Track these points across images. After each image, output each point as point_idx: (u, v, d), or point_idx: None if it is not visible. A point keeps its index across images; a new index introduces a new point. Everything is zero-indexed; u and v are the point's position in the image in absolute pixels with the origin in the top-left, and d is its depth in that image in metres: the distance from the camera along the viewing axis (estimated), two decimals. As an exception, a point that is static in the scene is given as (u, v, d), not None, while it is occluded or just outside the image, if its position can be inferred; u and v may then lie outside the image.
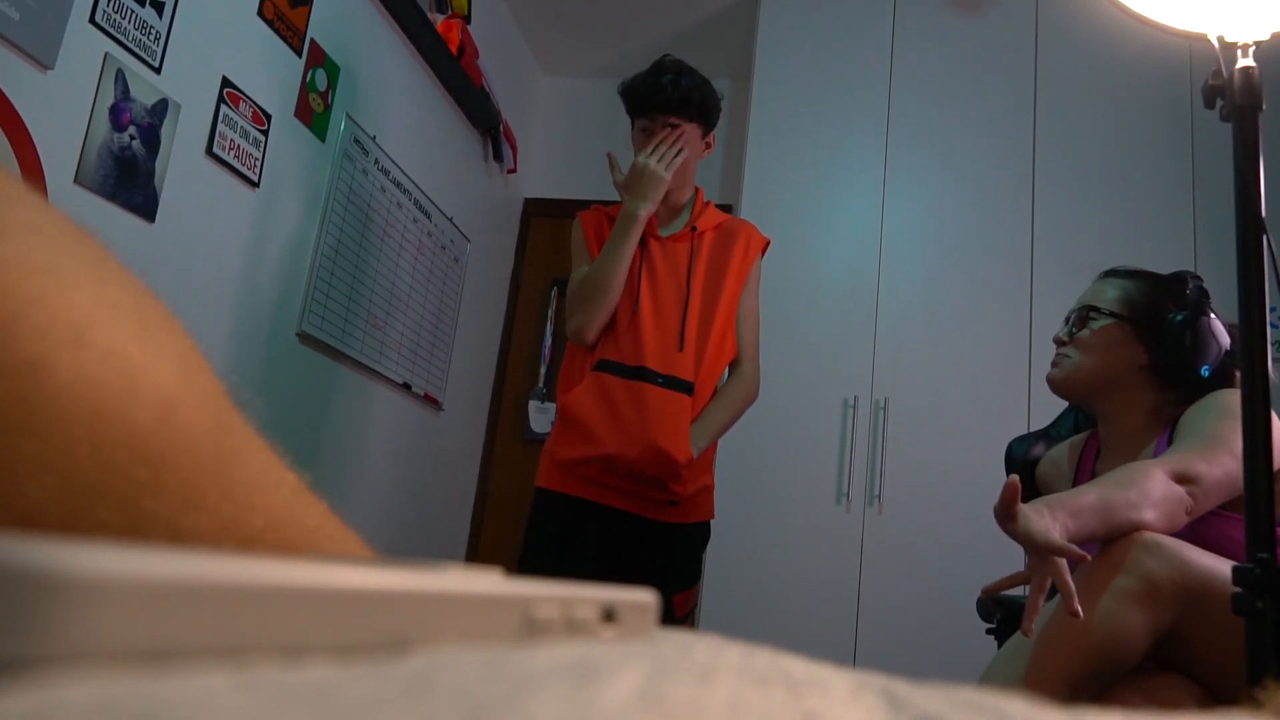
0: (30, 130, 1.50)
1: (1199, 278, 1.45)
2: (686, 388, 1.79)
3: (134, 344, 0.22)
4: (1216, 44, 1.09)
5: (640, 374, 1.77)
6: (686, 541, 1.83)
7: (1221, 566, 1.09)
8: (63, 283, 0.20)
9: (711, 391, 1.87)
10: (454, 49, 2.86)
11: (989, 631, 1.43)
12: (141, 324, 0.22)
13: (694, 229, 1.90)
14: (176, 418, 0.22)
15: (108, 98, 1.66)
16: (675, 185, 1.87)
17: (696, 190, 1.95)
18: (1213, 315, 1.39)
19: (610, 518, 1.77)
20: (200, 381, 0.24)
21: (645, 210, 1.79)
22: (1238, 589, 0.94)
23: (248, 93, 2.04)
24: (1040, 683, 1.06)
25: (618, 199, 1.88)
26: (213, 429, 0.24)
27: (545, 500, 1.80)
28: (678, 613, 1.81)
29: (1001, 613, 1.38)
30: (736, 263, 1.90)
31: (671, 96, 1.85)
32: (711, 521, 1.89)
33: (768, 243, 1.99)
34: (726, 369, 1.92)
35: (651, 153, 1.81)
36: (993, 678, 1.13)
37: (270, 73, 2.12)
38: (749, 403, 1.91)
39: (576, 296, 1.81)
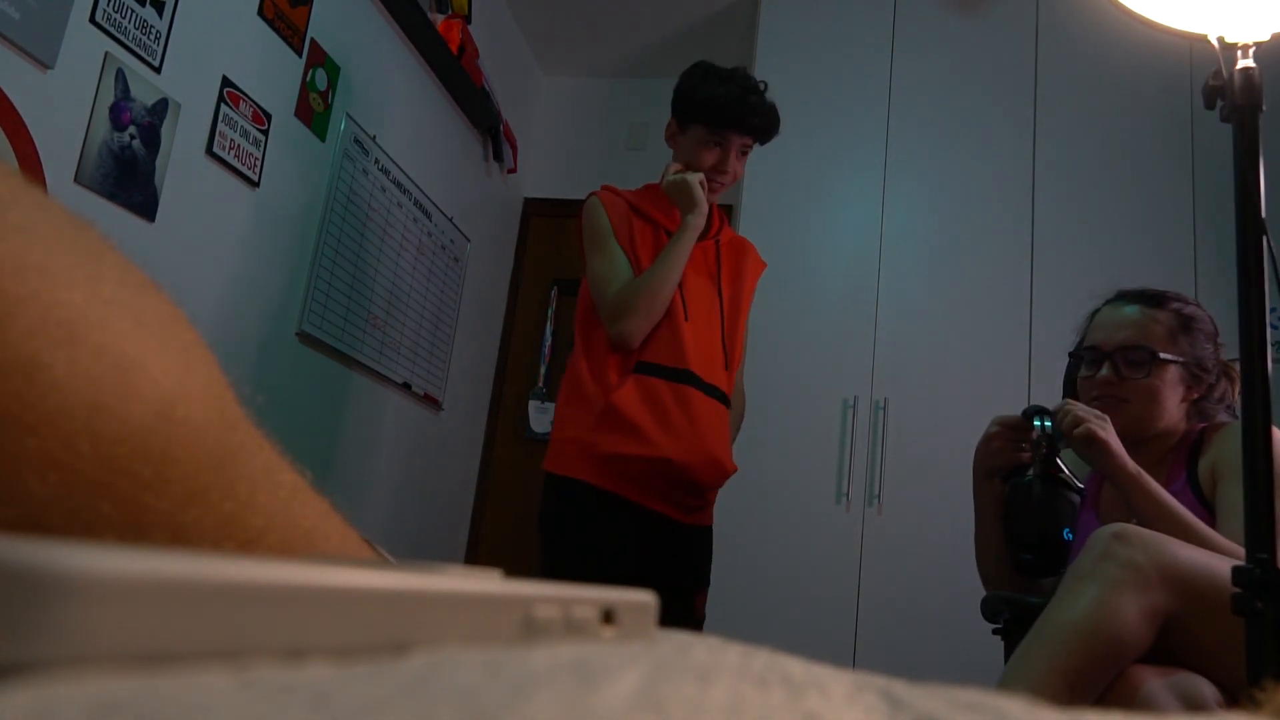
0: (30, 130, 1.50)
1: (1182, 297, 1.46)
2: (725, 399, 1.81)
3: (129, 340, 0.22)
4: (1216, 45, 1.09)
5: (684, 377, 1.74)
6: (705, 543, 1.86)
7: (1200, 554, 1.11)
8: (55, 281, 0.20)
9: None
10: (454, 49, 2.86)
11: (995, 632, 1.42)
12: (139, 319, 0.22)
13: (716, 241, 1.91)
14: (176, 413, 0.22)
15: (108, 97, 1.66)
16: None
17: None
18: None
19: (646, 517, 1.74)
20: (202, 376, 0.24)
21: (698, 219, 1.78)
22: (1237, 589, 0.94)
23: (248, 92, 2.04)
24: (1042, 677, 1.06)
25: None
26: (215, 424, 0.24)
27: (578, 491, 1.71)
28: (698, 612, 1.86)
29: (1009, 612, 1.38)
30: (749, 280, 1.93)
31: (766, 122, 1.83)
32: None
33: (766, 266, 2.02)
34: None
35: (688, 172, 1.80)
36: (1008, 680, 1.13)
37: (270, 72, 2.12)
38: (742, 420, 1.99)
39: (627, 302, 1.72)
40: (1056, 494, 1.32)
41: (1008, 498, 1.38)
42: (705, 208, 1.77)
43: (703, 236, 1.88)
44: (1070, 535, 1.31)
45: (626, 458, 1.69)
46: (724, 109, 1.79)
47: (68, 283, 0.21)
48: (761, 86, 1.84)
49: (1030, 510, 1.33)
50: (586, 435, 1.72)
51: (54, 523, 0.20)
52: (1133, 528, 1.12)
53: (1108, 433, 1.28)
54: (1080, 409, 1.32)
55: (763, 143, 1.88)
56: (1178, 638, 1.10)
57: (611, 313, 1.74)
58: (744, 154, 1.86)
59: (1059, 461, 1.35)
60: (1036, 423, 1.36)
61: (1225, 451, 1.33)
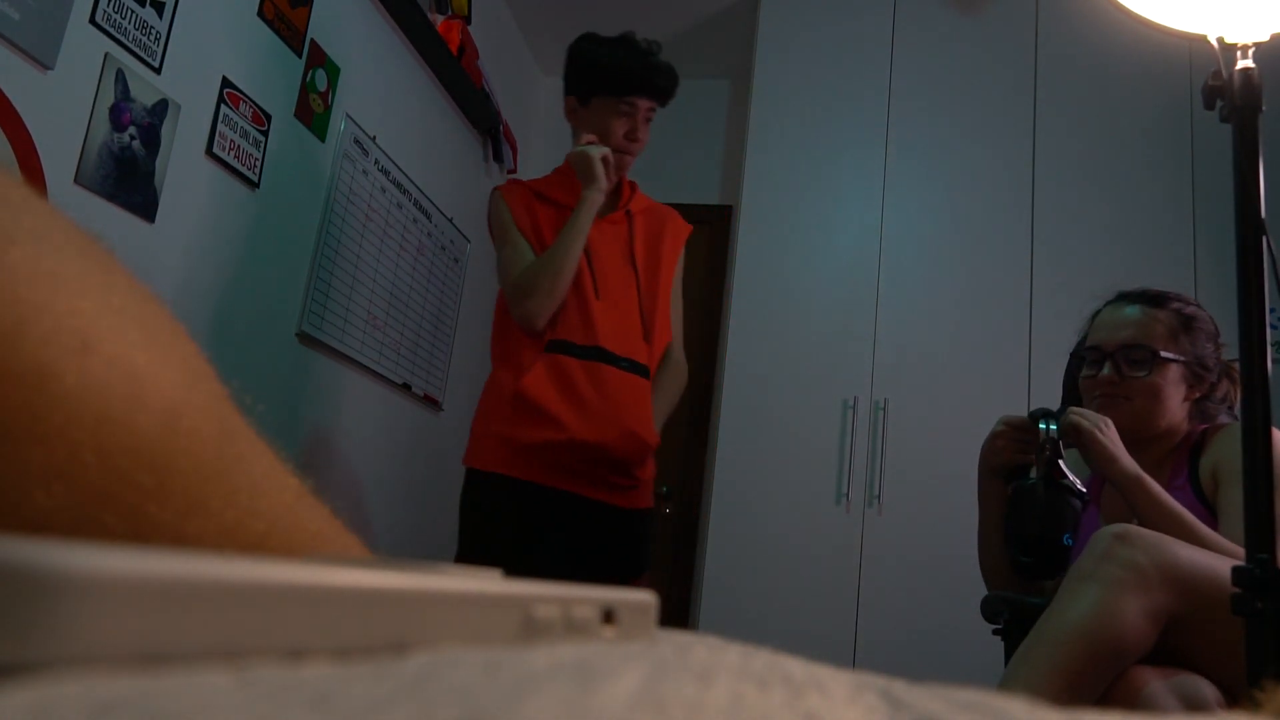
0: (30, 130, 1.50)
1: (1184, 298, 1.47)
2: (644, 371, 1.79)
3: (139, 350, 0.22)
4: (1216, 45, 1.09)
5: (596, 354, 1.74)
6: (640, 527, 1.82)
7: (1202, 555, 1.11)
8: (69, 289, 0.20)
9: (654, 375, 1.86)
10: (454, 49, 2.86)
11: (995, 632, 1.42)
12: (146, 330, 0.22)
13: (628, 212, 1.89)
14: (181, 423, 0.22)
15: (108, 98, 1.66)
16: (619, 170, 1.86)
17: None
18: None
19: (573, 504, 1.73)
20: (204, 387, 0.24)
21: (596, 194, 1.76)
22: (1237, 589, 0.94)
23: (248, 93, 2.04)
24: (1043, 677, 1.06)
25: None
26: (216, 434, 0.24)
27: (497, 485, 1.71)
28: None
29: (1009, 612, 1.38)
30: (669, 247, 1.90)
31: (669, 82, 1.83)
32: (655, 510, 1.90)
33: (691, 230, 1.99)
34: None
35: (591, 145, 1.79)
36: (1009, 681, 1.13)
37: (270, 73, 2.12)
38: (682, 390, 1.93)
39: (528, 283, 1.73)
40: (1059, 498, 1.32)
41: (1010, 498, 1.38)
42: (604, 182, 1.76)
43: (612, 209, 1.87)
44: (1070, 540, 1.31)
45: (540, 445, 1.68)
46: (629, 74, 1.79)
47: (80, 291, 0.21)
48: (656, 48, 1.84)
49: (1031, 513, 1.33)
50: (501, 426, 1.72)
51: (56, 533, 0.20)
52: (1135, 528, 1.12)
53: (1107, 435, 1.28)
54: (1080, 410, 1.33)
55: (663, 105, 1.87)
56: (1179, 638, 1.10)
57: (514, 296, 1.74)
58: (649, 120, 1.86)
59: (1062, 466, 1.35)
60: (1042, 425, 1.36)
61: (1225, 454, 1.33)
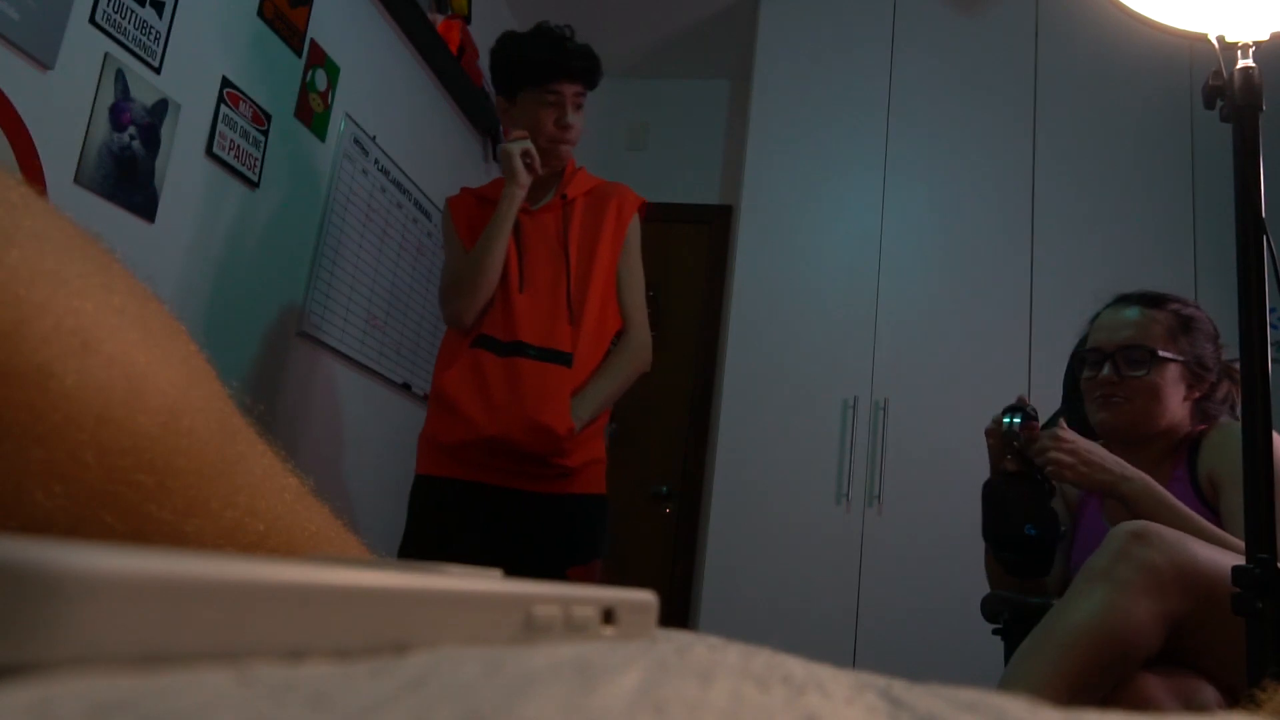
0: (30, 130, 1.50)
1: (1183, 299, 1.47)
2: (564, 359, 1.77)
3: (139, 350, 0.22)
4: (1216, 44, 1.09)
5: (515, 349, 1.75)
6: (581, 514, 1.80)
7: (1220, 556, 1.10)
8: (69, 289, 0.20)
9: (597, 361, 1.84)
10: (454, 49, 2.86)
11: (995, 631, 1.42)
12: (146, 330, 0.22)
13: (564, 197, 1.88)
14: (180, 423, 0.22)
15: (108, 98, 1.66)
16: (548, 158, 1.85)
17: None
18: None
19: (502, 498, 1.75)
20: (204, 387, 0.24)
21: (515, 189, 1.77)
22: (1238, 589, 0.94)
23: (248, 93, 2.04)
24: (1045, 679, 1.05)
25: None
26: (216, 434, 0.24)
27: (432, 487, 1.78)
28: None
29: (1009, 612, 1.38)
30: (610, 227, 1.88)
31: (589, 63, 1.83)
32: (606, 497, 1.86)
33: (643, 203, 1.96)
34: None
35: (513, 141, 1.79)
36: (1012, 679, 1.12)
37: (270, 73, 2.12)
38: (639, 370, 1.88)
39: (453, 284, 1.79)
40: (1013, 491, 1.32)
41: None
42: (524, 177, 1.77)
43: (548, 198, 1.87)
44: (1033, 531, 1.31)
45: (462, 444, 1.73)
46: (546, 62, 1.80)
47: (80, 291, 0.21)
48: (569, 32, 1.84)
49: (993, 510, 1.34)
50: (429, 429, 1.80)
51: (56, 533, 0.20)
52: (1153, 526, 1.11)
53: (1086, 469, 1.27)
54: (1052, 447, 1.31)
55: (591, 87, 1.87)
56: (1189, 640, 1.09)
57: (442, 298, 1.82)
58: (578, 106, 1.85)
59: (1023, 454, 1.35)
60: (1006, 420, 1.37)
61: (1222, 458, 1.33)
